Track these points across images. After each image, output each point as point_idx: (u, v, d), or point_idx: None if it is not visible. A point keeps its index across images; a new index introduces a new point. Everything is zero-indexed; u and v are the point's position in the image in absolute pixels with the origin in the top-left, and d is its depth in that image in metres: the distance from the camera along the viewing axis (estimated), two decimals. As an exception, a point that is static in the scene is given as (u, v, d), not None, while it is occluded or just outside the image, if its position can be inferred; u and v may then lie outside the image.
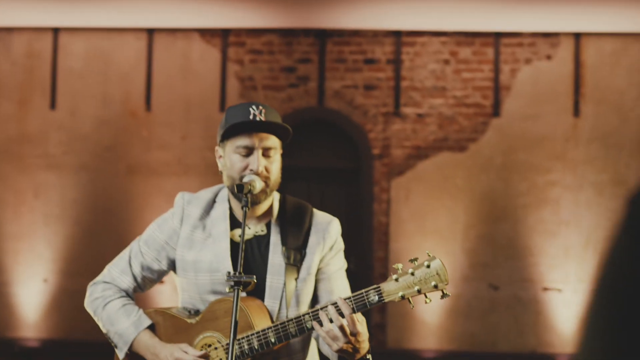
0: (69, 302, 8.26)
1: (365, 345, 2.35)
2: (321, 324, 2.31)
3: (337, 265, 2.65)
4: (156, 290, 7.92)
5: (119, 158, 8.38)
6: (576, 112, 8.13)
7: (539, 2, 7.45)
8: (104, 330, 2.63)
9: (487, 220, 8.12)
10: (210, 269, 2.54)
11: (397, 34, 8.25)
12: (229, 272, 2.27)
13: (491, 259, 8.02)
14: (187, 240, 2.60)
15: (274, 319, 2.48)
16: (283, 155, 2.62)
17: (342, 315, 2.31)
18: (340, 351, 2.32)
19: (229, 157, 2.55)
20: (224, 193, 2.67)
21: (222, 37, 8.36)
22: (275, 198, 2.65)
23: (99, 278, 2.70)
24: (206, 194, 2.68)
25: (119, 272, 2.66)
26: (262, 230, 2.60)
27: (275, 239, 2.58)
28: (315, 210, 2.68)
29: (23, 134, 8.43)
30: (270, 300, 2.51)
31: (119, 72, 8.45)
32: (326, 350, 2.55)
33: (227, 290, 2.28)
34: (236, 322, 2.17)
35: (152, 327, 2.57)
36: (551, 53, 8.18)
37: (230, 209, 2.63)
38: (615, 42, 8.15)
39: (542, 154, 8.13)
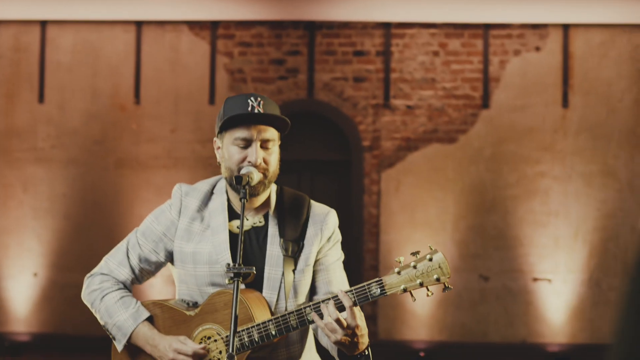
0: (59, 296, 8.24)
1: (364, 340, 2.36)
2: (321, 316, 2.31)
3: (335, 256, 2.66)
4: (147, 282, 7.91)
5: (108, 151, 8.35)
6: (565, 103, 8.16)
7: (527, -6, 7.47)
8: (101, 322, 2.62)
9: (477, 211, 8.14)
10: (209, 261, 2.53)
11: (386, 26, 8.25)
12: (229, 264, 2.27)
13: (481, 250, 8.05)
14: (185, 231, 2.60)
15: (272, 310, 2.48)
16: None
17: (341, 307, 2.31)
18: (338, 343, 2.32)
19: (227, 149, 2.55)
20: (222, 184, 2.66)
21: (211, 29, 8.34)
22: (272, 190, 2.65)
23: (96, 270, 2.68)
24: (204, 185, 2.67)
25: (116, 263, 2.65)
26: (259, 222, 2.60)
27: (273, 230, 2.58)
28: (312, 202, 2.69)
29: (11, 128, 8.39)
30: (268, 291, 2.51)
31: (108, 65, 8.41)
32: (325, 343, 2.55)
33: (226, 282, 2.28)
34: (236, 315, 2.17)
35: (150, 319, 2.56)
36: (540, 44, 8.21)
37: (228, 200, 2.63)
38: (603, 33, 8.19)
39: (531, 145, 8.16)
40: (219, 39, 8.34)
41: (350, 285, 2.49)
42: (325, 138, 8.32)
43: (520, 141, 8.17)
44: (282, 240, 2.55)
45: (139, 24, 8.38)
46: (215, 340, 2.46)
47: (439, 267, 2.29)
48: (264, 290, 2.51)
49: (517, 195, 8.12)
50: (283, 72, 8.32)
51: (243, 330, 2.39)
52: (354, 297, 2.32)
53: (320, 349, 2.72)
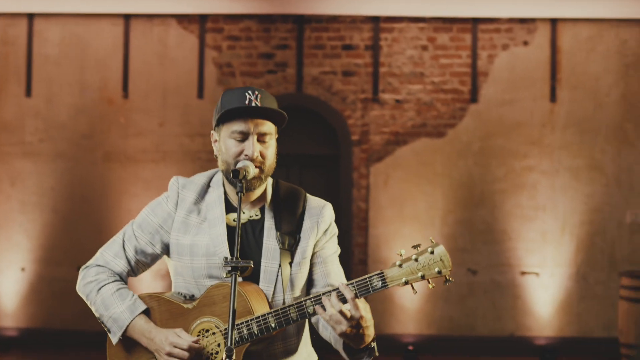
0: (47, 291, 8.21)
1: (370, 332, 2.36)
2: (324, 308, 2.32)
3: (332, 249, 2.67)
4: (135, 277, 7.89)
5: (96, 145, 8.32)
6: (553, 97, 8.19)
7: (516, -12, 7.49)
8: (96, 315, 2.61)
9: (465, 205, 8.17)
10: (206, 253, 2.53)
11: (375, 20, 8.25)
12: (226, 258, 2.27)
13: (469, 244, 8.08)
14: (182, 224, 2.59)
15: (269, 303, 2.49)
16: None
17: (344, 300, 2.32)
18: (344, 335, 2.33)
19: (224, 142, 2.54)
20: (219, 177, 2.66)
21: (200, 23, 8.31)
22: (269, 183, 2.65)
23: (91, 262, 2.67)
24: (200, 178, 2.67)
25: (112, 255, 2.64)
26: (256, 215, 2.60)
27: (269, 223, 2.58)
28: (308, 196, 2.69)
29: (-2, 122, 8.35)
30: (265, 284, 2.51)
31: (96, 58, 8.37)
32: (327, 336, 2.55)
33: (224, 275, 2.28)
34: (234, 308, 2.17)
35: (147, 312, 2.56)
36: (528, 39, 8.23)
37: (225, 193, 2.62)
38: (591, 28, 8.22)
39: (519, 140, 8.19)
40: (208, 32, 8.32)
41: (348, 279, 2.50)
42: (314, 132, 8.32)
43: (508, 135, 8.20)
44: (278, 233, 2.55)
45: (127, 17, 8.35)
46: (214, 333, 2.46)
47: (441, 259, 2.30)
48: (261, 283, 2.51)
49: (505, 189, 8.16)
50: (272, 66, 8.31)
51: (242, 323, 2.39)
52: (355, 289, 2.33)
53: (319, 342, 2.72)
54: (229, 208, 2.61)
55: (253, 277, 2.51)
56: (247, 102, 2.50)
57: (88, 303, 2.64)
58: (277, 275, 2.52)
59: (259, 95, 2.52)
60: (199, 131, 8.27)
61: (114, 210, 8.23)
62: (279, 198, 2.64)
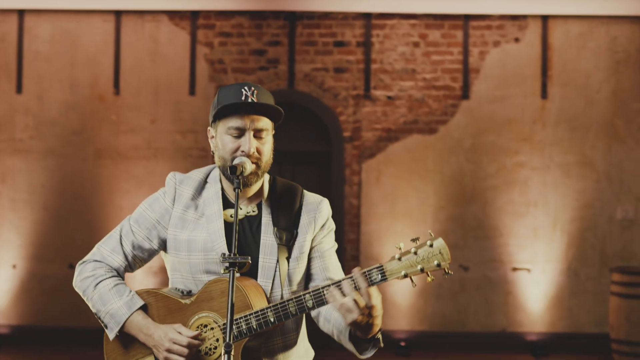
0: (38, 288, 8.19)
1: (378, 322, 2.37)
2: (334, 298, 2.32)
3: (330, 244, 2.68)
4: (126, 274, 7.87)
5: (87, 142, 8.29)
6: (544, 94, 8.22)
7: (507, -15, 7.51)
8: (93, 310, 2.59)
9: (457, 201, 8.19)
10: (204, 249, 2.53)
11: (367, 17, 8.25)
12: (224, 254, 2.27)
13: (461, 240, 8.10)
14: (180, 219, 2.59)
15: (268, 299, 2.49)
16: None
17: (356, 288, 2.32)
18: (354, 324, 2.33)
19: (220, 138, 2.55)
20: (215, 173, 2.66)
21: (191, 19, 8.30)
22: (265, 179, 2.66)
23: (88, 257, 2.66)
24: (197, 174, 2.67)
25: (109, 250, 2.63)
26: (253, 211, 2.61)
27: (266, 219, 2.58)
28: (305, 191, 2.70)
29: (-12, 118, 8.31)
30: (263, 279, 2.52)
31: (87, 55, 8.34)
32: (329, 329, 2.55)
33: (221, 271, 2.28)
34: (232, 304, 2.17)
35: (144, 308, 2.55)
36: (519, 36, 8.25)
37: (222, 189, 2.63)
38: (581, 24, 8.25)
39: (511, 136, 8.22)
40: (199, 29, 8.31)
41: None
42: (306, 129, 8.32)
43: (499, 132, 8.22)
44: (275, 229, 2.56)
45: (118, 14, 8.32)
46: (212, 329, 2.46)
47: (440, 252, 2.32)
48: (259, 279, 2.52)
49: (497, 185, 8.18)
50: (263, 62, 8.30)
51: (241, 318, 2.39)
52: (354, 282, 2.33)
53: (314, 340, 2.72)
54: (226, 204, 2.61)
55: (251, 272, 2.51)
56: (243, 98, 2.50)
57: (85, 299, 2.62)
58: (275, 271, 2.52)
59: (255, 91, 2.52)
60: (190, 128, 8.26)
61: (106, 207, 8.21)
62: (276, 194, 2.64)
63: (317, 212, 2.64)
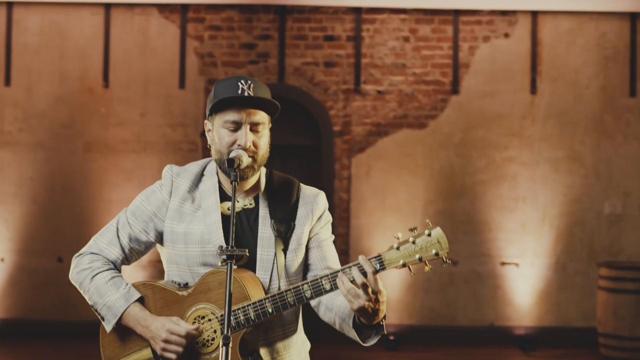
0: (27, 281, 8.16)
1: (384, 308, 2.38)
2: (343, 283, 2.34)
3: (327, 234, 2.69)
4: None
5: (77, 135, 8.27)
6: (533, 89, 8.25)
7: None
8: (90, 303, 2.59)
9: (446, 196, 8.22)
10: (201, 241, 2.54)
11: (357, 11, 8.26)
12: (221, 246, 2.27)
13: (450, 235, 8.12)
14: (177, 212, 2.60)
15: (266, 291, 2.50)
16: None
17: (364, 274, 2.33)
18: (360, 310, 2.34)
19: (217, 132, 2.55)
20: (212, 166, 2.66)
21: (181, 12, 8.28)
22: (262, 172, 2.66)
23: (84, 249, 2.65)
24: (194, 166, 2.67)
25: (106, 243, 2.63)
26: (250, 204, 2.61)
27: (264, 212, 2.59)
28: (301, 184, 2.71)
29: (-23, 111, 8.27)
30: (262, 272, 2.52)
31: (76, 48, 8.31)
32: (331, 317, 2.56)
33: (219, 264, 2.29)
34: (230, 295, 2.18)
35: (141, 300, 2.55)
36: (509, 31, 8.28)
37: (219, 182, 2.63)
38: (571, 20, 8.28)
39: (500, 131, 8.25)
40: (189, 22, 8.29)
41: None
42: (296, 123, 8.32)
43: (489, 127, 8.25)
44: (273, 221, 2.57)
45: (107, 7, 8.29)
46: (210, 320, 2.46)
47: (438, 242, 2.33)
48: (257, 271, 2.52)
49: (486, 180, 8.21)
50: (254, 56, 8.29)
51: (239, 309, 2.40)
52: (351, 274, 2.34)
53: (309, 333, 2.73)
54: (223, 197, 2.62)
55: (249, 265, 2.52)
56: (239, 91, 2.51)
57: (81, 291, 2.61)
58: (273, 263, 2.53)
59: (251, 85, 2.53)
60: (180, 121, 8.24)
61: (95, 200, 8.18)
62: (273, 187, 2.65)
63: (314, 204, 2.65)
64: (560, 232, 8.19)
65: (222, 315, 2.44)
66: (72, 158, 8.25)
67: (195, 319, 2.47)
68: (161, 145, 8.25)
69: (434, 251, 2.33)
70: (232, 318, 2.38)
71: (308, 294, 2.39)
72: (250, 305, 2.40)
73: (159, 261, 7.71)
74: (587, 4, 8.11)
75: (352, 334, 2.49)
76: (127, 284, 2.58)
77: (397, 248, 2.35)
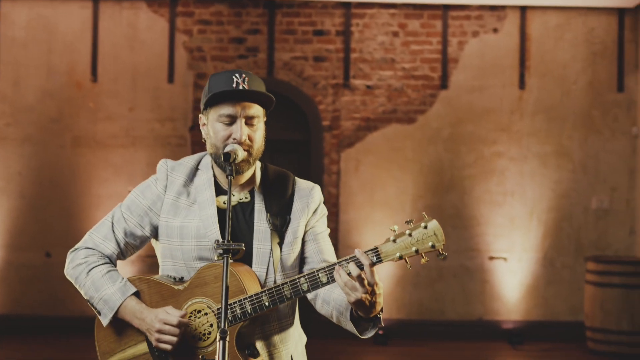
0: (14, 277, 8.12)
1: (380, 300, 2.39)
2: (340, 276, 2.34)
3: (322, 227, 2.69)
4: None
5: (65, 130, 8.23)
6: (521, 84, 8.28)
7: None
8: (86, 297, 2.58)
9: (435, 191, 8.24)
10: (197, 235, 2.53)
11: (346, 6, 8.26)
12: (217, 240, 2.27)
13: (439, 229, 8.13)
14: (172, 206, 2.59)
15: (262, 285, 2.50)
16: None
17: (360, 267, 2.34)
18: (357, 303, 2.34)
19: (212, 126, 2.54)
20: (207, 160, 2.66)
21: (170, 6, 8.25)
22: (257, 166, 2.66)
23: (80, 244, 2.64)
24: (189, 161, 2.67)
25: (101, 237, 2.62)
26: (245, 198, 2.61)
27: (259, 206, 2.59)
28: (297, 178, 2.71)
29: (-36, 105, 8.21)
30: (258, 265, 2.52)
31: (64, 41, 8.26)
32: (328, 310, 2.56)
33: (215, 258, 2.29)
34: (227, 289, 2.18)
35: (137, 295, 2.55)
36: (498, 26, 8.30)
37: (214, 176, 2.63)
38: (559, 16, 8.31)
39: (489, 126, 8.27)
40: (178, 16, 8.26)
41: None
42: (285, 117, 8.31)
43: (477, 122, 8.27)
44: (269, 215, 2.57)
45: (95, 0, 8.25)
46: (206, 314, 2.46)
47: (434, 234, 2.34)
48: (254, 265, 2.52)
49: (475, 175, 8.24)
50: (243, 50, 8.28)
51: (235, 303, 2.40)
52: (348, 267, 2.35)
53: (316, 317, 2.73)
54: (219, 191, 2.61)
55: (245, 259, 2.52)
56: (234, 85, 2.50)
57: (77, 286, 2.60)
58: (269, 257, 2.53)
59: (246, 78, 2.52)
60: (169, 116, 8.22)
61: (84, 195, 8.15)
62: (268, 181, 2.65)
63: (309, 197, 2.65)
64: (548, 227, 8.23)
65: (218, 309, 2.43)
66: (60, 152, 8.21)
67: (191, 313, 2.47)
68: (150, 140, 8.22)
69: (430, 243, 2.33)
70: (228, 312, 2.38)
71: (305, 287, 2.40)
72: (246, 298, 2.40)
73: (148, 256, 7.70)
74: (575, 0, 8.14)
75: (350, 327, 2.49)
76: (123, 278, 2.57)
77: (394, 240, 2.35)
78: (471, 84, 8.29)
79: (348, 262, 2.36)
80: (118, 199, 8.19)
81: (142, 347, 2.53)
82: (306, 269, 2.63)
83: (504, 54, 8.30)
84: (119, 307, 2.51)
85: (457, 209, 8.20)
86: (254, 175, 2.64)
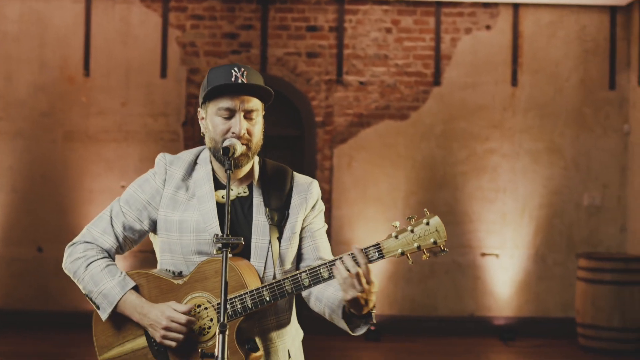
0: (6, 271, 8.10)
1: (374, 298, 2.40)
2: (340, 273, 2.35)
3: (320, 224, 2.70)
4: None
5: (57, 124, 8.20)
6: (514, 81, 8.30)
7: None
8: (84, 292, 2.56)
9: (428, 187, 8.26)
10: (196, 229, 2.53)
11: (339, 2, 8.26)
12: (217, 234, 2.27)
13: (431, 226, 8.15)
14: (171, 200, 2.58)
15: (261, 279, 2.50)
16: None
17: (358, 265, 2.35)
18: (352, 301, 2.35)
19: (211, 120, 2.54)
20: (205, 154, 2.65)
21: (163, 1, 8.22)
22: (255, 161, 2.66)
23: (78, 238, 2.63)
24: (187, 155, 2.66)
25: (100, 232, 2.61)
26: (244, 192, 2.61)
27: (258, 200, 2.59)
28: (295, 173, 2.72)
29: (-45, 99, 8.17)
30: (256, 260, 2.52)
31: (56, 36, 8.23)
32: (321, 308, 2.57)
33: (214, 252, 2.29)
34: (226, 283, 2.18)
35: (136, 289, 2.54)
36: (490, 23, 8.32)
37: (213, 170, 2.62)
38: (552, 13, 8.34)
39: (481, 123, 8.29)
40: (171, 11, 8.24)
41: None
42: (278, 113, 8.30)
43: (470, 119, 8.29)
44: (267, 209, 2.57)
45: (88, -5, 8.23)
46: (206, 309, 2.45)
47: (436, 230, 2.35)
48: (252, 259, 2.52)
49: (467, 171, 8.26)
50: (236, 46, 8.26)
51: (235, 298, 2.39)
52: (354, 259, 2.35)
53: (311, 314, 2.73)
54: (217, 185, 2.61)
55: (243, 253, 2.52)
56: (233, 79, 2.50)
57: (75, 280, 2.59)
58: (268, 251, 2.53)
59: (245, 72, 2.52)
60: (162, 111, 8.20)
61: (75, 190, 8.13)
62: (267, 175, 2.65)
63: (307, 193, 2.65)
64: (539, 224, 8.26)
65: (218, 304, 2.43)
66: (52, 147, 8.18)
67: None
68: (142, 135, 8.20)
69: (432, 240, 2.34)
70: (228, 306, 2.38)
71: (306, 282, 2.40)
72: (247, 293, 2.39)
73: (140, 251, 7.69)
74: (568, -3, 8.18)
75: (342, 324, 2.50)
76: (122, 272, 2.56)
77: (396, 237, 2.36)
78: (464, 80, 8.31)
79: (345, 259, 2.36)
80: (110, 194, 8.21)
81: (141, 341, 2.52)
82: (302, 266, 2.63)
83: (496, 51, 8.32)
84: (119, 301, 2.50)
85: (449, 206, 8.22)
86: (252, 169, 2.64)
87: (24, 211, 8.13)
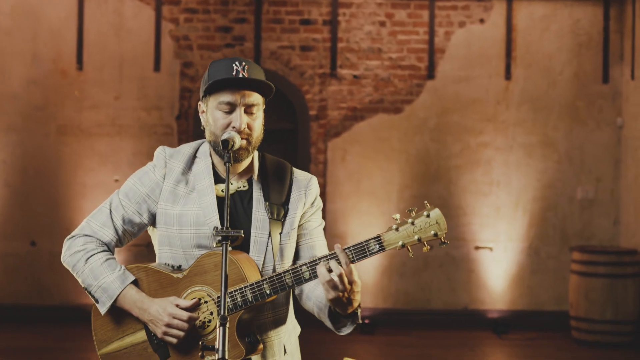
0: (0, 265, 8.08)
1: (358, 298, 2.39)
2: (321, 274, 2.34)
3: (317, 221, 2.69)
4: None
5: (50, 118, 8.17)
6: (508, 75, 8.31)
7: (475, -34, 7.54)
8: (83, 285, 2.55)
9: (421, 180, 8.26)
10: (196, 223, 2.52)
11: (333, -5, 8.25)
12: (216, 227, 2.26)
13: (425, 219, 8.16)
14: (171, 194, 2.57)
15: (260, 273, 2.50)
16: None
17: (341, 264, 2.34)
18: (335, 300, 2.34)
19: (211, 113, 2.53)
20: (205, 148, 2.65)
21: (156, -6, 8.20)
22: (255, 155, 2.66)
23: (77, 231, 2.61)
24: (187, 148, 2.65)
25: (99, 225, 2.59)
26: (243, 186, 2.61)
27: (257, 194, 2.59)
28: (294, 168, 2.71)
29: (-53, 93, 8.13)
30: (255, 254, 2.52)
31: (49, 29, 8.19)
32: (310, 306, 2.57)
33: (214, 245, 2.28)
34: (226, 276, 2.18)
35: (136, 283, 2.53)
36: (484, 17, 8.32)
37: (212, 164, 2.62)
38: (545, 7, 8.34)
39: (475, 116, 8.30)
40: (164, 4, 8.21)
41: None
42: (272, 107, 8.25)
43: (464, 112, 8.30)
44: (267, 203, 2.56)
45: (81, -12, 8.19)
46: (206, 302, 2.45)
47: (437, 222, 2.35)
48: (251, 253, 2.52)
49: (461, 165, 8.27)
50: (230, 39, 8.24)
51: (236, 291, 2.39)
52: (352, 254, 2.35)
53: (304, 312, 2.73)
54: (217, 179, 2.60)
55: (243, 247, 2.51)
56: (234, 73, 2.49)
57: (74, 274, 2.57)
58: (267, 245, 2.52)
59: (246, 66, 2.51)
60: (155, 104, 8.18)
61: (69, 184, 8.10)
62: (266, 170, 2.65)
63: (307, 188, 2.65)
64: (533, 217, 8.28)
65: (218, 297, 2.43)
66: (45, 141, 8.15)
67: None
68: (136, 129, 8.18)
69: (432, 232, 2.34)
70: (229, 300, 2.37)
71: (307, 275, 2.39)
72: (247, 287, 2.39)
73: (135, 245, 7.67)
74: (561, -9, 8.18)
75: (328, 323, 2.50)
76: (121, 266, 2.55)
77: (396, 229, 2.36)
78: (457, 74, 8.31)
79: (328, 260, 2.35)
80: (103, 188, 8.19)
81: (141, 335, 2.51)
82: (299, 263, 2.62)
83: (490, 45, 8.32)
84: (118, 295, 2.49)
85: (443, 199, 8.23)
86: (252, 164, 2.63)
87: (17, 205, 8.10)
